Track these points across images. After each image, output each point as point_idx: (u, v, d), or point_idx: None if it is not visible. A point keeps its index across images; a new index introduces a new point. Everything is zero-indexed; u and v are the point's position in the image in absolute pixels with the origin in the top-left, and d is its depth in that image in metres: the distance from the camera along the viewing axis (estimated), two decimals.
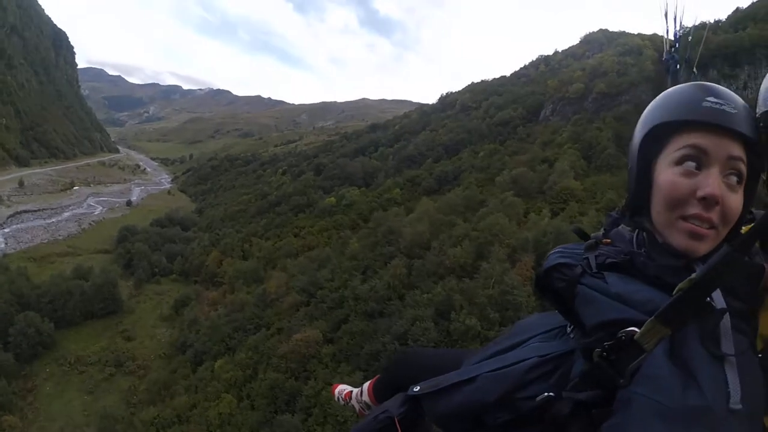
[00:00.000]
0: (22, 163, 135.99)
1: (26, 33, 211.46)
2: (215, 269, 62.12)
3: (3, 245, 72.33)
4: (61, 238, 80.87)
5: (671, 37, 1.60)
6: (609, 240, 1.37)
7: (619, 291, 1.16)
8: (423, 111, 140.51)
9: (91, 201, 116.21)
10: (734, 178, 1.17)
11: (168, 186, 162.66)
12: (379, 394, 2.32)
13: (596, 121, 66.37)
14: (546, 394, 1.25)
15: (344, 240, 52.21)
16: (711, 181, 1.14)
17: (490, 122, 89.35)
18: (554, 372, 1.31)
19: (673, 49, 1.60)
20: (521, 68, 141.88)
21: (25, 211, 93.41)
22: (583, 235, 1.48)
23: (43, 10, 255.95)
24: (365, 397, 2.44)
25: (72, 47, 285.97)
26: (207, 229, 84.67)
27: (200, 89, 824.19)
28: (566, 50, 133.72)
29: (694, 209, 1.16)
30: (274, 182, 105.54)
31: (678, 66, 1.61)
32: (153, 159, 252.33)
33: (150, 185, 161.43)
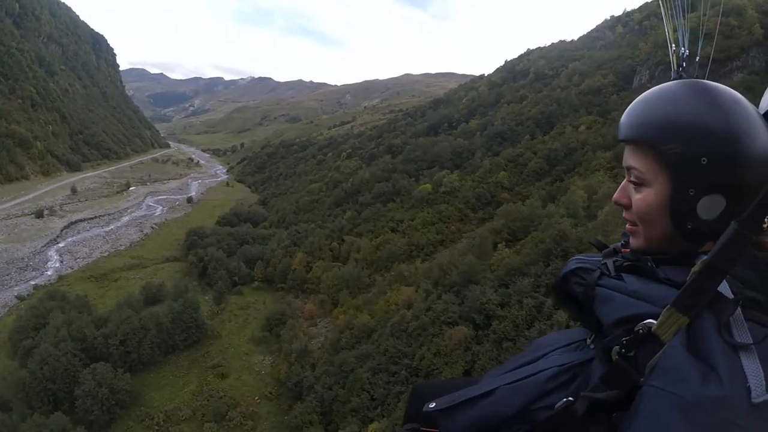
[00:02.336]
0: (73, 167, 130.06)
1: (63, 40, 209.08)
2: (304, 274, 52.74)
3: (58, 264, 63.41)
4: (122, 247, 71.35)
5: (678, 55, 1.58)
6: (628, 249, 1.41)
7: (636, 288, 1.19)
8: (492, 82, 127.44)
9: (149, 201, 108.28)
10: (635, 182, 1.28)
11: (225, 177, 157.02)
12: None
13: None
14: (565, 399, 1.22)
15: (482, 241, 40.50)
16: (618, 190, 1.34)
17: (576, 91, 77.82)
18: (574, 380, 1.29)
19: (681, 69, 1.59)
20: (591, 31, 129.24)
21: (81, 220, 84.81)
22: (603, 247, 1.52)
23: (78, 16, 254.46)
24: None
25: (112, 49, 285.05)
26: (279, 224, 76.12)
27: (242, 78, 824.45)
28: (643, 8, 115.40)
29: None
30: (343, 167, 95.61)
31: None
32: (204, 151, 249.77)
33: (206, 178, 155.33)
